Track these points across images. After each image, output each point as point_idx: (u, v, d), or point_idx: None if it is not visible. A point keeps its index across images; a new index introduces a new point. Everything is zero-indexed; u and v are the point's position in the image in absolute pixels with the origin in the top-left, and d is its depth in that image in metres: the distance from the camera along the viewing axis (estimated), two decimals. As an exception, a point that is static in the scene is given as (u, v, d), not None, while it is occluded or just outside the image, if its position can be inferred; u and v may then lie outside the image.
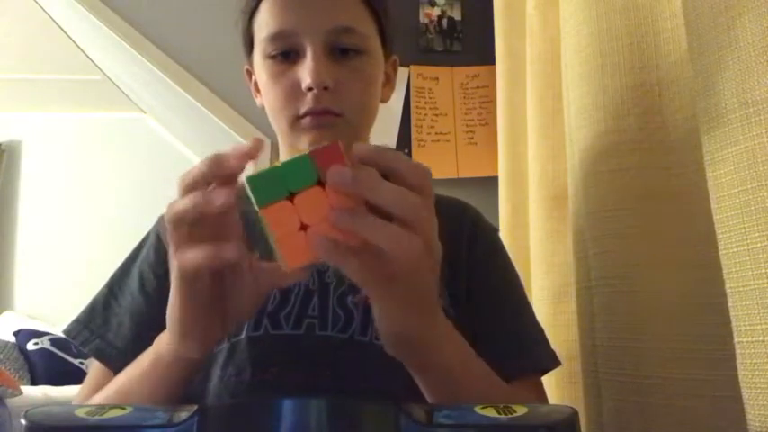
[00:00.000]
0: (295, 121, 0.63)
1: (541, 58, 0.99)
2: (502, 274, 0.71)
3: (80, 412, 0.37)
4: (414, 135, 1.75)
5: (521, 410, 0.36)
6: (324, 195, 0.39)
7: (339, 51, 0.63)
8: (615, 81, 0.68)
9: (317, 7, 0.62)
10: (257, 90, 0.70)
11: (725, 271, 0.46)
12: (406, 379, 0.50)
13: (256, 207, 0.39)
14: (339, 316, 0.61)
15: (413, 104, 1.76)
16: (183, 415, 0.37)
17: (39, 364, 2.38)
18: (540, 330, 0.68)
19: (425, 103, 1.78)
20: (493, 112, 1.53)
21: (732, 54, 0.46)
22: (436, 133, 1.77)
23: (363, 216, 0.39)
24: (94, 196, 3.10)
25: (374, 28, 0.66)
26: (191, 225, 0.42)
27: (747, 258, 0.44)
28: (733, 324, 0.46)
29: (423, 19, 1.82)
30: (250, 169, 0.40)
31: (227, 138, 1.79)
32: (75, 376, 2.26)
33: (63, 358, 2.41)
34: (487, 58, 1.53)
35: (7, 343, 2.43)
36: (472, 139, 1.77)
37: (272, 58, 0.64)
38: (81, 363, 2.41)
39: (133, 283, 0.68)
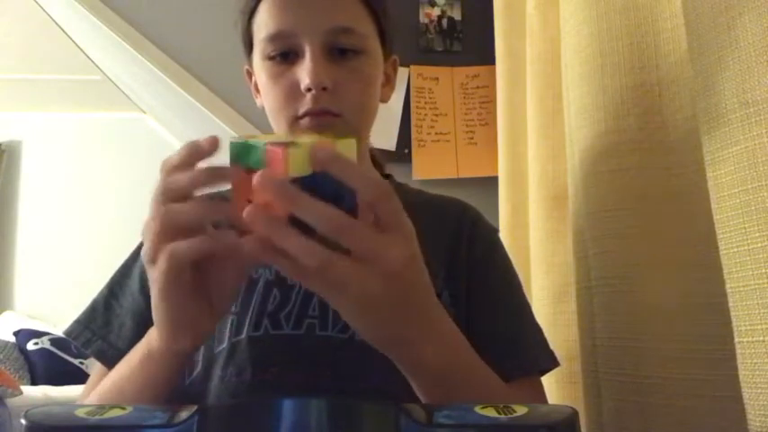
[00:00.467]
0: (294, 122, 0.63)
1: (541, 58, 0.99)
2: (501, 275, 0.70)
3: (80, 412, 0.37)
4: (414, 135, 1.74)
5: (521, 410, 0.36)
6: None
7: (338, 52, 0.63)
8: (615, 81, 0.68)
9: (315, 8, 0.62)
10: (257, 90, 0.70)
11: (725, 271, 0.46)
12: (406, 379, 0.50)
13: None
14: (339, 316, 0.61)
15: (413, 104, 1.76)
16: (183, 415, 0.37)
17: (39, 364, 2.39)
18: (539, 331, 0.68)
19: (425, 103, 1.78)
20: (493, 112, 1.53)
21: (732, 54, 0.46)
22: (436, 133, 1.77)
23: (276, 219, 0.39)
24: (94, 196, 3.10)
25: (373, 28, 0.66)
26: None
27: (748, 258, 0.44)
28: (733, 324, 0.46)
29: (423, 19, 1.81)
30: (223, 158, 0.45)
31: (227, 138, 1.78)
32: (75, 376, 2.26)
33: (63, 358, 2.41)
34: (487, 58, 1.52)
35: (7, 343, 2.43)
36: (472, 139, 1.77)
37: (271, 58, 0.64)
38: (81, 363, 2.41)
39: (134, 283, 0.68)
